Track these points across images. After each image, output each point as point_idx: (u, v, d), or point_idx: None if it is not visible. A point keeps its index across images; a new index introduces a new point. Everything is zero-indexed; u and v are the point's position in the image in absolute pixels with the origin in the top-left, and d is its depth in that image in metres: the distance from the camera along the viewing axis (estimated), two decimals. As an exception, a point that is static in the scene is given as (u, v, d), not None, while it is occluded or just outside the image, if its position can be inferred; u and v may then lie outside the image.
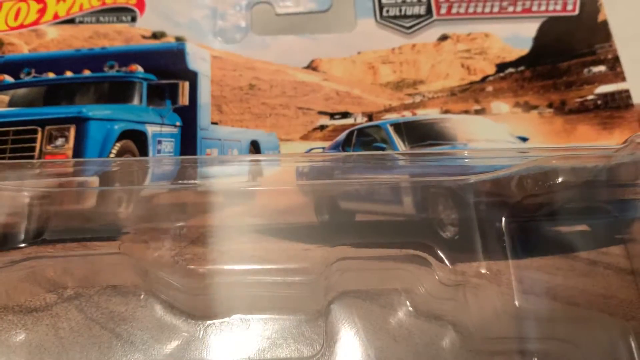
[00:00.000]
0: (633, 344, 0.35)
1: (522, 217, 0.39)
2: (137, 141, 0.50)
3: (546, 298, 0.37)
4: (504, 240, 0.38)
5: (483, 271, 0.37)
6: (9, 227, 0.40)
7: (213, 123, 0.50)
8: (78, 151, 0.47)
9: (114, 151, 0.48)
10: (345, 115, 0.50)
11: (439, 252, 0.38)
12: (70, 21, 0.54)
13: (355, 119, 0.50)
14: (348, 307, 0.38)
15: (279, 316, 0.38)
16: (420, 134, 0.49)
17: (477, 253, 0.38)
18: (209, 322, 0.38)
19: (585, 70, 0.51)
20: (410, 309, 0.39)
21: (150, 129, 0.50)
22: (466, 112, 0.50)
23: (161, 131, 0.50)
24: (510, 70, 0.52)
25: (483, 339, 0.37)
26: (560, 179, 0.38)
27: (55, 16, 0.54)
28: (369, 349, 0.37)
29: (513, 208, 0.39)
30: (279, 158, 0.44)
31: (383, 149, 0.48)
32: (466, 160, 0.40)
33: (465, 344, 0.37)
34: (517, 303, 0.36)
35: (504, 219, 0.39)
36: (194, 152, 0.49)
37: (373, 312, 0.38)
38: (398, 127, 0.49)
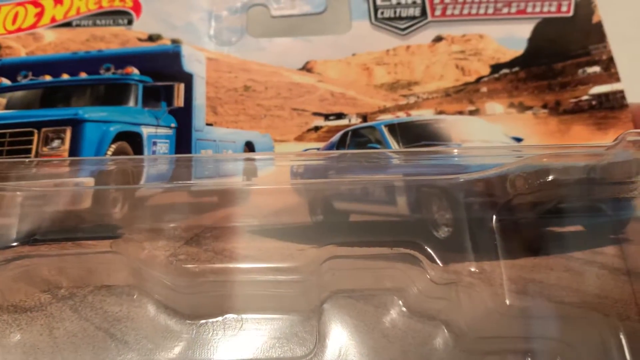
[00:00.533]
0: (625, 344, 0.35)
1: (514, 216, 0.39)
2: (133, 143, 0.50)
3: (539, 297, 0.37)
4: (495, 239, 0.38)
5: (472, 269, 0.37)
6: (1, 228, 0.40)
7: (208, 124, 0.50)
8: (74, 152, 0.47)
9: (109, 152, 0.48)
10: (339, 116, 0.50)
11: (430, 251, 0.38)
12: (68, 24, 0.54)
13: (349, 120, 0.50)
14: (341, 307, 0.38)
15: (272, 316, 0.38)
16: (415, 135, 0.49)
17: (469, 252, 0.38)
18: (202, 321, 0.38)
19: (580, 71, 0.51)
20: (404, 308, 0.39)
21: (145, 131, 0.50)
22: (460, 112, 0.50)
23: (156, 133, 0.50)
24: (505, 71, 0.52)
25: (476, 338, 0.37)
26: (550, 177, 0.37)
27: (53, 20, 0.54)
28: (362, 349, 0.37)
29: (504, 207, 0.39)
30: (272, 156, 0.44)
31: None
32: (456, 159, 0.40)
33: (458, 344, 0.37)
34: (508, 302, 0.36)
35: (494, 217, 0.39)
36: (189, 153, 0.49)
37: (366, 312, 0.38)
38: (392, 127, 0.49)
